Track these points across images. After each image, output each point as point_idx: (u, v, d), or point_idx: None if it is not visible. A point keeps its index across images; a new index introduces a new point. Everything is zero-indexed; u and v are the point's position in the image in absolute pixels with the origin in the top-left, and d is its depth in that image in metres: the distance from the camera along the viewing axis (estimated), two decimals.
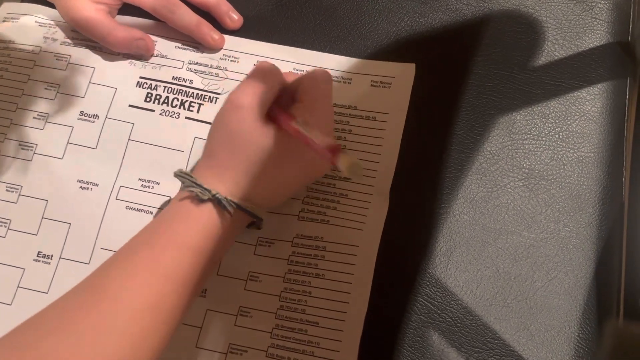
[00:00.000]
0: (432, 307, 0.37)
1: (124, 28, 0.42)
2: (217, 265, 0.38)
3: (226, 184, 0.34)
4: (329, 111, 0.37)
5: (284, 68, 0.40)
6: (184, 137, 0.41)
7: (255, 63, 0.43)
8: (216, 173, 0.34)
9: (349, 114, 0.41)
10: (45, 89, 0.43)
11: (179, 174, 0.35)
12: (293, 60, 0.43)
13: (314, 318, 0.37)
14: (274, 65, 0.37)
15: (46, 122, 0.42)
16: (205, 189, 0.33)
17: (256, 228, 0.38)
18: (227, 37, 0.44)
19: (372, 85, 0.42)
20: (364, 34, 0.44)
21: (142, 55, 0.43)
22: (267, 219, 0.39)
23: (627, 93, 0.42)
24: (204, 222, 0.33)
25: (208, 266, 0.34)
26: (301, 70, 0.43)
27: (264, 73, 0.36)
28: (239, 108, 0.34)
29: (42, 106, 0.42)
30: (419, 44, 0.43)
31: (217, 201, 0.33)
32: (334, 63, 0.43)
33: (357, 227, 0.38)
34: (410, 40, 0.44)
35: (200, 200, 0.33)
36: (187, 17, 0.43)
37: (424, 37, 0.44)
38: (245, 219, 0.36)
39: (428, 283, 0.38)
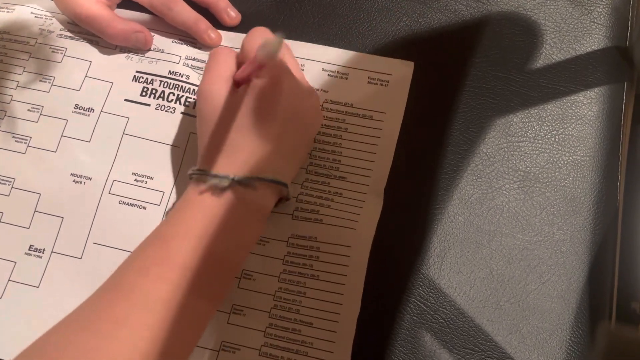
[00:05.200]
0: (425, 307, 0.37)
1: (122, 21, 0.42)
2: (246, 255, 0.37)
3: (236, 165, 0.34)
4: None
5: None
6: (179, 132, 0.41)
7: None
8: (222, 157, 0.35)
9: (345, 112, 0.41)
10: (41, 81, 0.42)
11: (190, 173, 0.35)
12: None
13: (308, 318, 0.37)
14: (225, 48, 0.39)
15: (40, 114, 0.42)
16: (222, 176, 0.33)
17: (285, 200, 0.38)
18: (224, 33, 0.44)
19: (369, 82, 0.42)
20: (362, 32, 0.44)
21: (140, 48, 0.43)
22: None
23: (624, 98, 0.42)
24: (216, 210, 0.33)
25: (230, 257, 0.34)
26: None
27: (217, 56, 0.37)
28: (213, 86, 0.36)
29: (36, 98, 0.42)
30: (417, 44, 0.43)
31: (238, 183, 0.33)
32: (331, 56, 0.43)
33: (350, 226, 0.38)
34: (408, 40, 0.44)
35: (219, 190, 0.33)
36: (185, 14, 0.43)
37: (422, 38, 0.44)
38: (269, 196, 0.36)
39: (421, 284, 0.38)
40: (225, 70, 0.36)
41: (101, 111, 0.42)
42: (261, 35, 0.37)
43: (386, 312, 0.37)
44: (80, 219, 0.39)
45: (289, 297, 0.37)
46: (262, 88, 0.35)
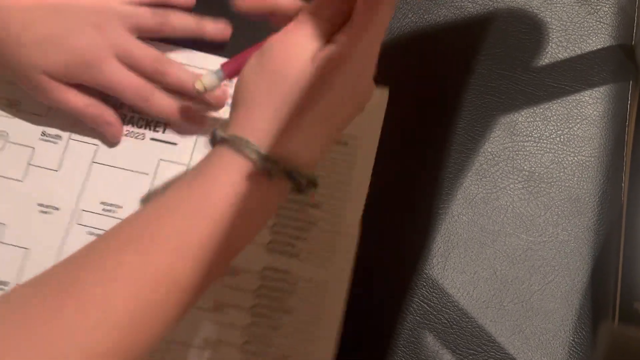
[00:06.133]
0: (428, 308, 0.37)
1: (98, 104, 0.39)
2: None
3: (285, 150, 0.28)
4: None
5: None
6: (149, 159, 0.39)
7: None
8: (282, 139, 0.28)
9: None
10: (6, 106, 0.40)
11: (227, 137, 0.28)
12: None
13: (280, 353, 0.36)
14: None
15: (6, 141, 0.40)
16: (274, 160, 0.27)
17: (297, 192, 0.31)
18: (192, 52, 0.41)
19: None
20: None
21: (105, 139, 0.40)
22: None
23: (629, 97, 0.42)
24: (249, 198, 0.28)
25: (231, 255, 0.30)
26: None
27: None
28: (288, 46, 0.29)
29: (1, 124, 0.40)
30: (422, 40, 0.43)
31: (287, 175, 0.28)
32: None
33: (326, 263, 0.37)
34: (414, 37, 0.43)
35: (267, 177, 0.28)
36: (184, 21, 0.40)
37: (427, 34, 0.43)
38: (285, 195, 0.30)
39: (424, 284, 0.37)
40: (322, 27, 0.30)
41: (69, 138, 0.40)
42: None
43: (389, 312, 0.37)
44: (47, 250, 0.37)
45: (262, 332, 0.36)
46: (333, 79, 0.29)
